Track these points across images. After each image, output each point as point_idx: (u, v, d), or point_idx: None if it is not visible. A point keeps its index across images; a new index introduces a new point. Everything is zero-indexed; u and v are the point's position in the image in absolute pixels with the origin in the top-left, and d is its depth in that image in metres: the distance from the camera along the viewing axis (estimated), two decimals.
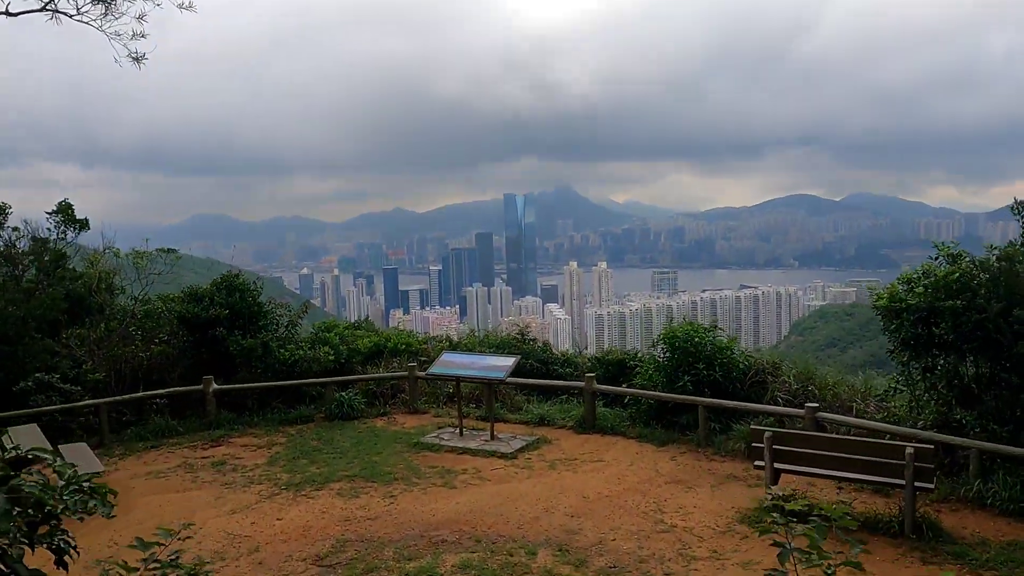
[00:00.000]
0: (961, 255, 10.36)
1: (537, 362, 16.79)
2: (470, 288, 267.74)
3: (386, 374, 16.29)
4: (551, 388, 15.51)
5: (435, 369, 13.69)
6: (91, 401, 14.16)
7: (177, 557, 3.33)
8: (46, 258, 15.70)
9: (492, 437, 13.15)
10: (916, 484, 8.27)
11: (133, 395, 14.80)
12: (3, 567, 2.81)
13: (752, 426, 9.41)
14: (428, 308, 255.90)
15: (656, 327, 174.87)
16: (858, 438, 9.42)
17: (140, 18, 10.08)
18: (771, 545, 3.58)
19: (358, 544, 9.00)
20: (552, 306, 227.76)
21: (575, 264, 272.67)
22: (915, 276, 10.64)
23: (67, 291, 16.98)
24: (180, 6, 10.21)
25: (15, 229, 15.89)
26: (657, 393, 13.05)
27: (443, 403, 16.10)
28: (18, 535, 2.86)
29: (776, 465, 9.13)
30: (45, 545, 3.02)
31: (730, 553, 8.36)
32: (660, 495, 10.32)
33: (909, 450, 8.24)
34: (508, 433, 13.57)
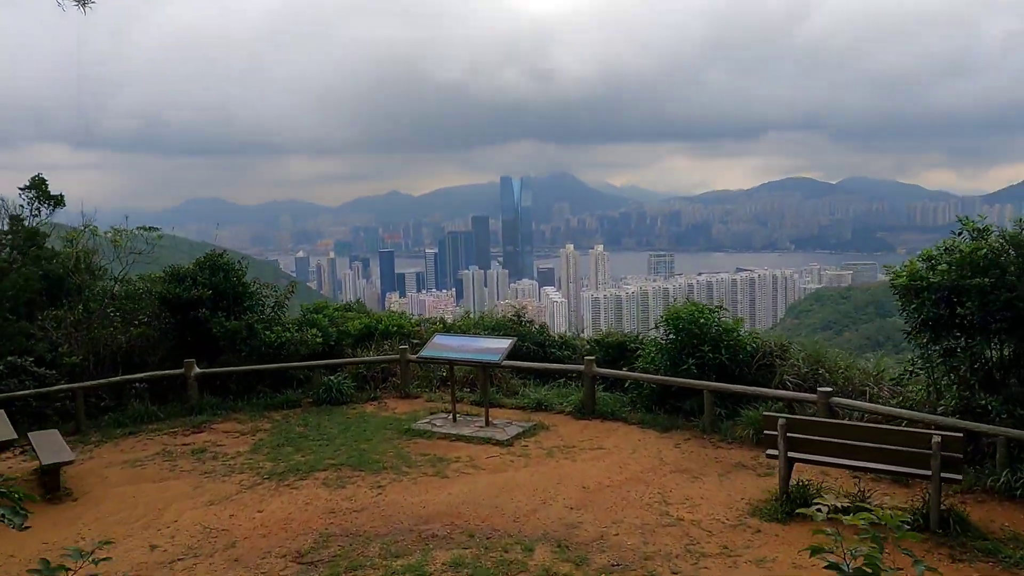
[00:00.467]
0: (988, 229, 9.72)
1: (534, 344, 16.17)
2: (466, 271, 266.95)
3: (376, 357, 15.65)
4: (549, 372, 14.89)
5: (426, 352, 13.05)
6: (66, 386, 13.49)
7: None
8: (20, 236, 14.97)
9: (487, 423, 12.53)
10: (943, 475, 7.67)
11: (111, 379, 14.12)
12: None
13: (764, 413, 8.80)
14: (424, 291, 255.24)
15: (652, 310, 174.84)
16: (880, 426, 8.81)
17: None
18: (826, 568, 2.96)
19: (342, 539, 8.39)
20: (549, 289, 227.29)
21: (572, 247, 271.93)
22: (936, 253, 10.00)
23: (45, 271, 16.30)
24: None
25: None
26: (660, 377, 12.43)
27: (436, 387, 15.49)
28: None
29: (790, 454, 8.52)
30: None
31: (742, 549, 7.76)
32: (665, 485, 9.71)
33: (936, 439, 7.63)
34: (504, 419, 12.96)
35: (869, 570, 2.91)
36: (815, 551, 3.07)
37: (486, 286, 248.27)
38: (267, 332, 15.19)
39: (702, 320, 12.46)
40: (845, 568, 2.93)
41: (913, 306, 9.87)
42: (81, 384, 13.55)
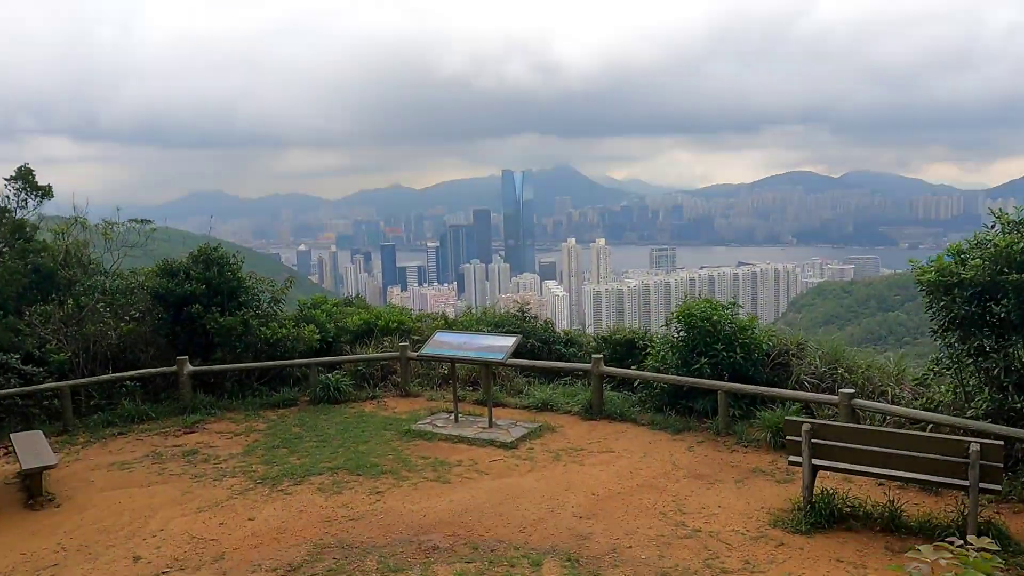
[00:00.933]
0: None
1: (538, 341, 15.65)
2: (468, 265, 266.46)
3: (375, 355, 15.12)
4: (555, 370, 14.37)
5: (427, 350, 12.52)
6: (53, 384, 13.00)
7: None
8: (5, 229, 14.43)
9: (490, 424, 12.02)
10: (981, 485, 7.14)
11: (100, 377, 13.62)
12: None
13: (787, 418, 8.28)
14: (426, 285, 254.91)
15: (654, 304, 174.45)
16: (912, 432, 8.27)
17: None
18: None
19: (337, 551, 7.88)
20: (550, 283, 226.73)
21: (573, 241, 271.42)
22: (966, 247, 9.44)
23: (35, 265, 15.77)
24: None
25: None
26: (672, 377, 11.90)
27: (437, 385, 14.97)
28: None
29: (815, 461, 7.99)
30: None
31: (765, 565, 7.24)
32: (679, 492, 9.20)
33: (974, 447, 7.10)
34: (508, 419, 12.44)
35: None
36: None
37: (488, 280, 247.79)
38: (263, 328, 14.69)
39: (715, 317, 11.92)
40: None
41: (942, 303, 9.31)
42: (68, 382, 13.06)
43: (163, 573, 7.60)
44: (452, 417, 12.49)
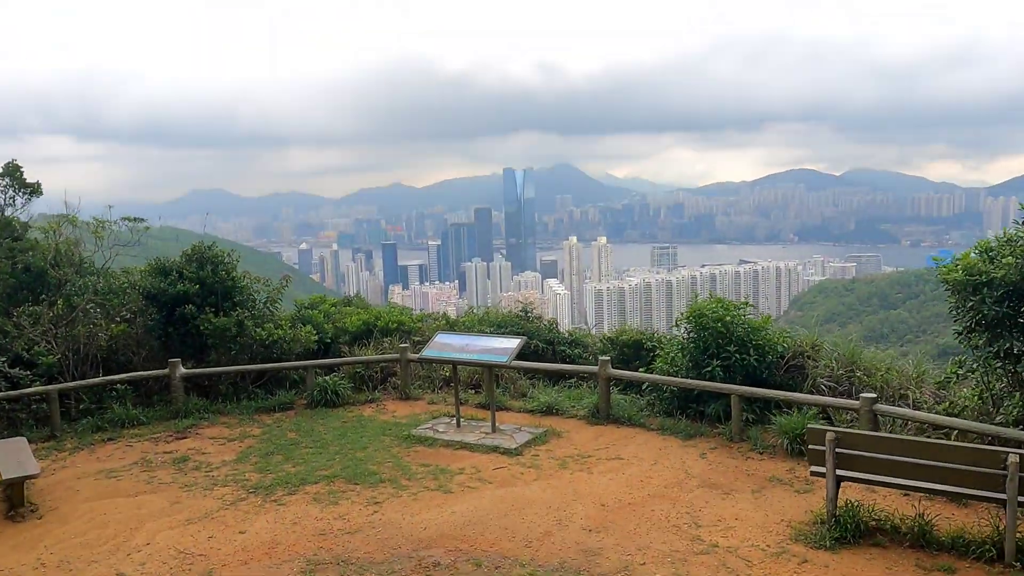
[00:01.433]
0: None
1: (542, 342, 15.18)
2: (469, 263, 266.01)
3: (375, 356, 14.66)
4: (560, 373, 13.89)
5: (428, 352, 12.05)
6: (39, 388, 12.54)
7: None
8: None
9: (493, 429, 11.56)
10: (1021, 499, 6.67)
11: (89, 380, 13.16)
12: None
13: (810, 426, 7.81)
14: (427, 283, 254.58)
15: (656, 302, 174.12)
16: (946, 442, 7.81)
17: None
18: None
19: (332, 568, 7.42)
20: (552, 281, 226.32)
21: (575, 239, 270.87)
22: (996, 244, 8.97)
23: (26, 264, 15.32)
24: None
25: None
26: (684, 380, 11.42)
27: (439, 388, 14.51)
28: None
29: (839, 472, 7.52)
30: None
31: None
32: (693, 503, 8.73)
33: (1013, 458, 6.63)
34: (512, 424, 11.98)
35: None
36: None
37: (489, 278, 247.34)
38: (258, 329, 14.22)
39: (728, 318, 11.45)
40: None
41: (970, 304, 8.84)
42: (56, 386, 12.60)
43: None
44: (454, 422, 12.04)
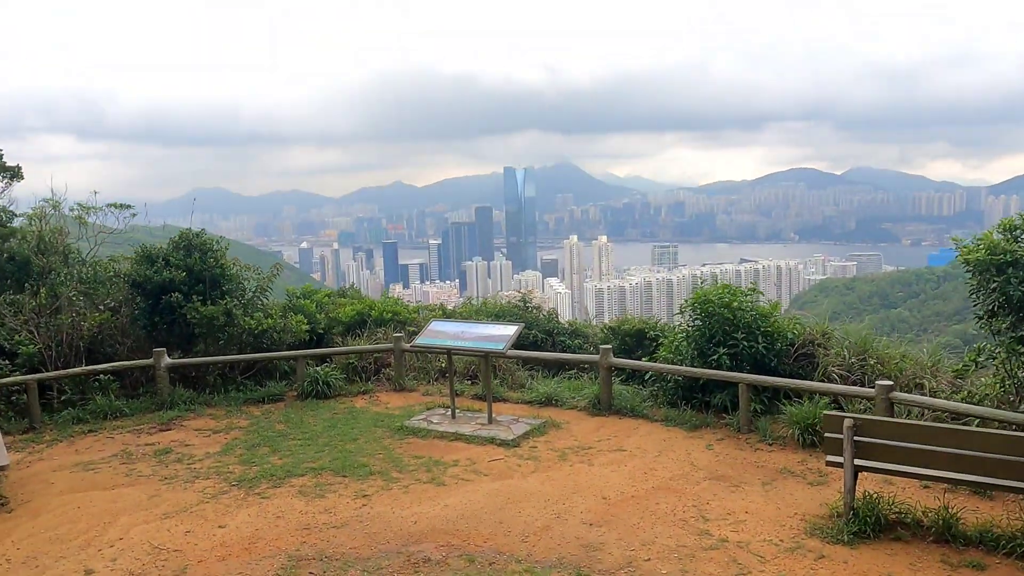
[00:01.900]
0: None
1: (542, 333, 14.72)
2: (470, 262, 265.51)
3: (367, 346, 14.17)
4: (560, 362, 13.41)
5: (422, 340, 11.55)
6: (18, 378, 12.06)
7: None
8: None
9: (490, 420, 11.07)
10: None
11: (70, 371, 12.67)
12: None
13: (826, 412, 7.31)
14: (428, 282, 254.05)
15: (656, 301, 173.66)
16: (977, 430, 7.30)
17: None
18: None
19: (315, 564, 6.93)
20: (552, 280, 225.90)
21: (575, 238, 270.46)
22: (1021, 222, 8.48)
23: (10, 253, 14.85)
24: None
25: None
26: (689, 368, 10.92)
27: (434, 379, 14.03)
28: None
29: (858, 462, 7.03)
30: None
31: None
32: (700, 496, 8.24)
33: None
34: (509, 415, 11.49)
35: None
36: None
37: (490, 277, 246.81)
38: (247, 318, 13.73)
39: (735, 304, 10.96)
40: None
41: (993, 285, 8.35)
42: (35, 376, 12.13)
43: None
44: (449, 413, 11.55)
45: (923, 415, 9.48)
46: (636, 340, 13.47)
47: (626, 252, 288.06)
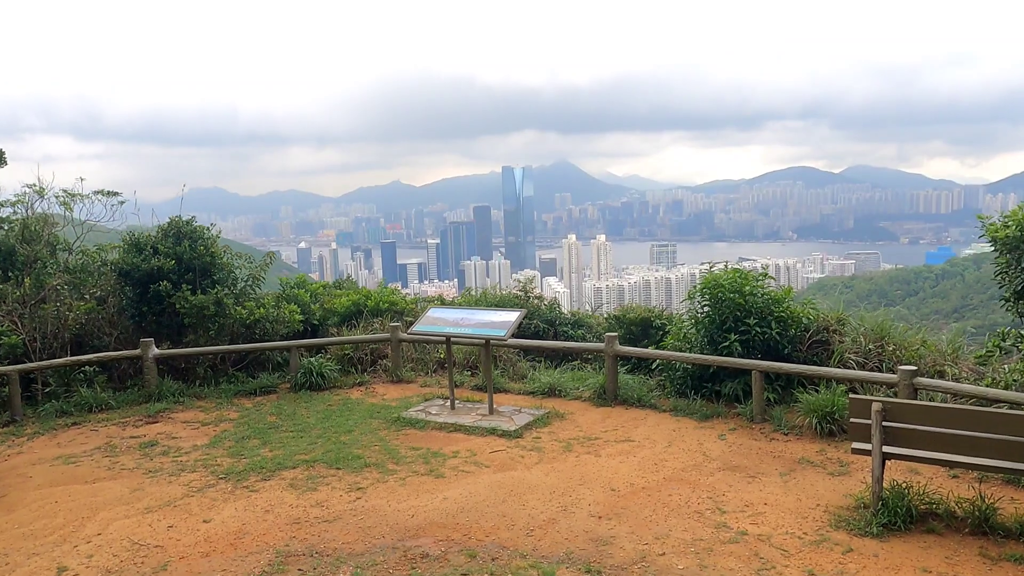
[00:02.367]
0: None
1: (544, 323, 14.24)
2: (468, 261, 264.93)
3: (363, 336, 13.67)
4: (564, 351, 12.94)
5: (420, 327, 11.06)
6: (1, 368, 11.56)
7: None
8: None
9: (491, 411, 10.59)
10: None
11: (53, 361, 12.18)
12: None
13: (853, 396, 6.84)
14: (427, 281, 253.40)
15: (655, 300, 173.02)
16: (1012, 412, 6.83)
17: None
18: None
19: (305, 560, 6.46)
20: (551, 279, 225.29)
21: (574, 237, 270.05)
22: None
23: None
24: None
25: None
26: (700, 356, 10.44)
27: (432, 371, 13.54)
28: None
29: (886, 448, 6.56)
30: None
31: None
32: (715, 487, 7.77)
33: None
34: (510, 406, 11.02)
35: None
36: None
37: (488, 276, 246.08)
38: (238, 308, 13.24)
39: (747, 289, 10.49)
40: None
41: (1022, 265, 7.90)
42: (17, 367, 11.63)
43: None
44: (448, 404, 11.07)
45: (947, 400, 9.01)
46: (641, 329, 13.00)
47: (624, 251, 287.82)
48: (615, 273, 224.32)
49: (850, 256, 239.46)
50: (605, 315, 14.65)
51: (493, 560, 6.27)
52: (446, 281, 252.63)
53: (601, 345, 11.34)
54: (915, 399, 8.58)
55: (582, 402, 11.23)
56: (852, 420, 6.75)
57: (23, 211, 14.55)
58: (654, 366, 11.72)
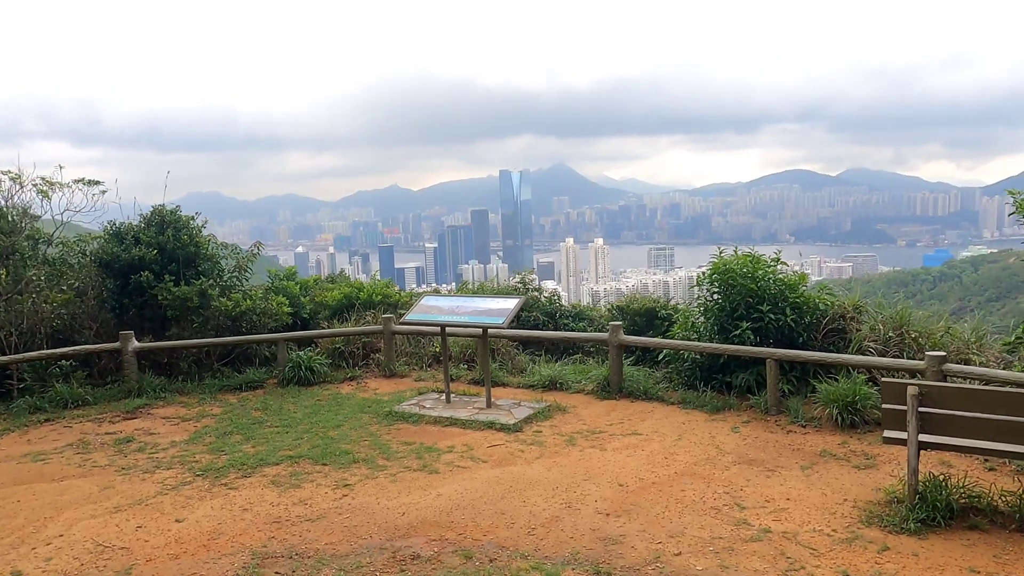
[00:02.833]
0: None
1: (543, 315, 13.66)
2: (466, 265, 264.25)
3: (354, 328, 13.07)
4: (565, 342, 12.36)
5: (413, 315, 10.45)
6: None
7: None
8: None
9: (488, 404, 9.99)
10: None
11: (26, 355, 11.56)
12: None
13: (885, 380, 6.24)
14: (424, 285, 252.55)
15: None
16: None
17: None
18: None
19: (284, 562, 5.85)
20: (549, 283, 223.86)
21: (571, 240, 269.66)
22: None
23: None
24: None
25: None
26: (711, 344, 9.85)
27: (427, 365, 12.93)
28: None
29: (923, 437, 5.97)
30: None
31: None
32: (731, 481, 7.17)
33: None
34: (509, 399, 10.42)
35: None
36: None
37: (486, 280, 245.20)
38: (224, 300, 12.64)
39: (759, 274, 9.91)
40: None
41: None
42: None
43: None
44: (443, 397, 10.47)
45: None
46: (646, 320, 12.42)
47: (622, 254, 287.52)
48: (613, 276, 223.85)
49: (847, 258, 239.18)
50: (607, 306, 14.04)
51: (491, 561, 5.67)
52: (444, 285, 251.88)
53: (605, 335, 10.75)
54: None
55: (585, 395, 10.64)
56: (884, 406, 6.16)
57: (0, 200, 13.94)
58: (660, 357, 11.12)
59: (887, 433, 6.22)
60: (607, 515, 6.49)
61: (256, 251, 13.83)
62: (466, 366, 12.61)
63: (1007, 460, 6.92)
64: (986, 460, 7.13)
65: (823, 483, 7.02)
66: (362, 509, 6.84)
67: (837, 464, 7.50)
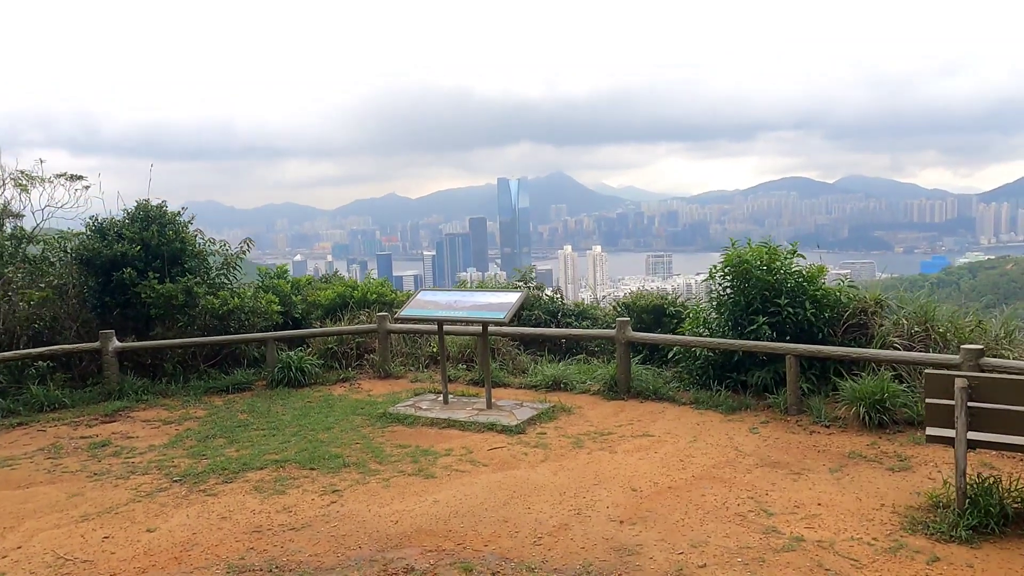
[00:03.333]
0: None
1: (546, 314, 13.07)
2: (464, 273, 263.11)
3: (347, 327, 12.47)
4: (570, 339, 11.77)
5: (408, 311, 9.86)
6: None
7: None
8: None
9: (489, 405, 9.39)
10: None
11: (0, 355, 10.95)
12: None
13: (929, 372, 5.65)
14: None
15: None
16: None
17: None
18: None
19: (263, 575, 5.24)
20: (547, 291, 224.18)
21: (569, 248, 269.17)
22: None
23: None
24: None
25: None
26: (727, 341, 9.26)
27: (424, 366, 12.34)
28: None
29: (972, 435, 5.38)
30: None
31: None
32: (755, 485, 6.58)
33: None
34: (511, 400, 9.82)
35: None
36: None
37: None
38: (211, 298, 12.04)
39: (776, 265, 9.33)
40: None
41: None
42: None
43: None
44: (440, 398, 9.87)
45: None
46: (654, 317, 11.83)
47: (620, 262, 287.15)
48: (611, 283, 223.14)
49: (845, 265, 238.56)
50: (612, 304, 13.45)
51: (494, 574, 5.07)
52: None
53: (612, 332, 10.16)
54: None
55: (591, 395, 10.04)
56: (928, 401, 5.57)
57: None
58: (670, 356, 10.53)
59: (930, 431, 5.63)
60: (621, 522, 5.89)
61: (246, 248, 13.23)
62: (465, 366, 12.01)
63: None
64: None
65: (856, 487, 6.42)
66: (351, 517, 6.23)
67: (868, 466, 6.90)
